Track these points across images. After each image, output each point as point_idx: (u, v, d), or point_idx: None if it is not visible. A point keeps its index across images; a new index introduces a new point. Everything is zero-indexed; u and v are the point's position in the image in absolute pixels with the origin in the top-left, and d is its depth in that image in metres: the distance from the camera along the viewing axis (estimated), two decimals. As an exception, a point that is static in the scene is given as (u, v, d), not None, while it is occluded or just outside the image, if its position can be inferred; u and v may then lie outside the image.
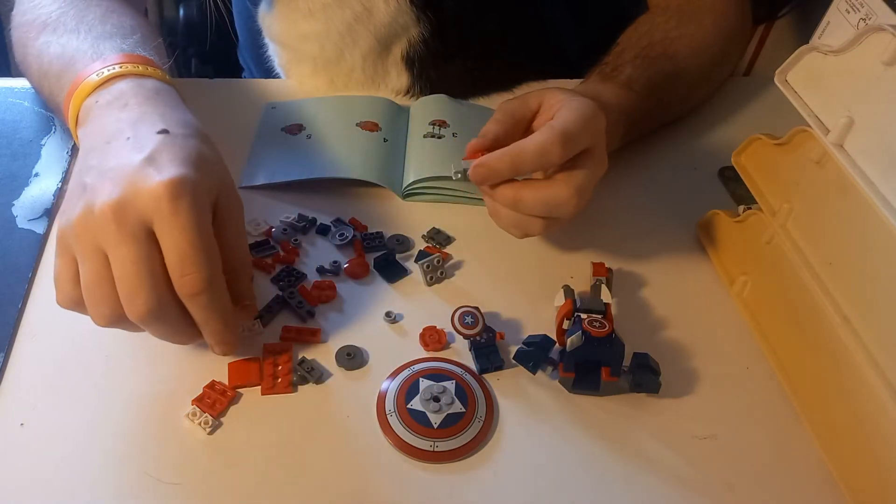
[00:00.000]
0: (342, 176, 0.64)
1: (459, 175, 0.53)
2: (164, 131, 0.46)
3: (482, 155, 0.51)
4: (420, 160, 0.66)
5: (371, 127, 0.68)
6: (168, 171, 0.43)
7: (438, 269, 0.57)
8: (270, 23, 0.74)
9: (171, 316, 0.44)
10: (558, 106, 0.52)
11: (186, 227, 0.42)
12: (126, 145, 0.45)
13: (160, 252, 0.43)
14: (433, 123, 0.69)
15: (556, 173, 0.52)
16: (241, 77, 0.96)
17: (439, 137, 0.68)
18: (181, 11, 1.08)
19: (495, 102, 0.76)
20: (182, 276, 0.43)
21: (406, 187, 0.64)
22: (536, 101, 0.55)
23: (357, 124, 0.69)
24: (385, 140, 0.68)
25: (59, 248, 0.44)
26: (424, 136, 0.68)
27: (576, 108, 0.52)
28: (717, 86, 0.77)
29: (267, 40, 0.78)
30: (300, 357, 0.51)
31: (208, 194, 0.45)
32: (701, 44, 0.71)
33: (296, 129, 0.69)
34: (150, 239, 0.42)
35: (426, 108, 0.71)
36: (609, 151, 0.56)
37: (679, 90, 0.71)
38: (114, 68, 0.51)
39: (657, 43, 0.68)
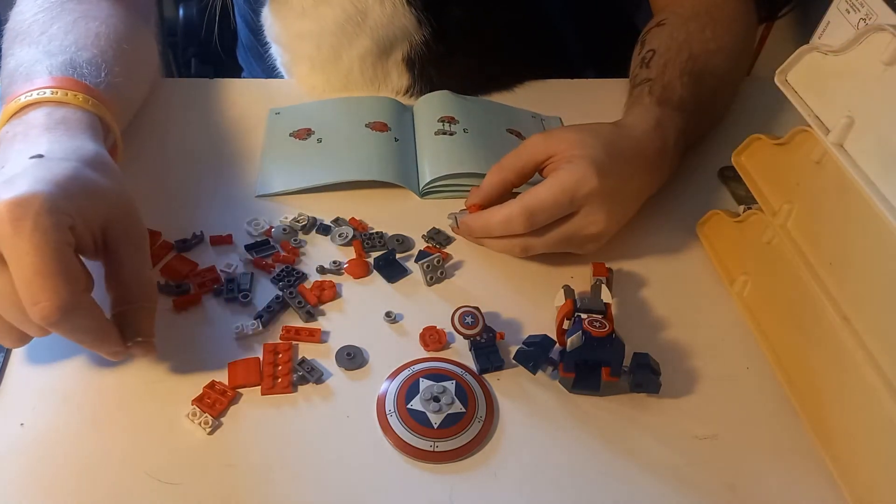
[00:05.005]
0: (360, 178, 0.64)
1: (453, 219, 0.60)
2: (38, 156, 0.44)
3: (478, 205, 0.59)
4: (436, 158, 0.66)
5: (380, 127, 0.68)
6: (15, 190, 0.40)
7: (438, 268, 0.57)
8: (269, 23, 0.75)
9: (40, 334, 0.43)
10: (559, 163, 0.56)
11: (32, 250, 0.39)
12: None
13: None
14: (442, 120, 0.69)
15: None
16: (241, 77, 0.96)
17: (451, 134, 0.68)
18: (181, 11, 1.08)
19: (496, 100, 0.76)
20: (33, 304, 0.39)
21: (425, 185, 0.64)
22: (544, 152, 0.57)
23: (366, 125, 0.68)
24: (396, 140, 0.68)
25: None
26: (436, 134, 0.68)
27: (561, 179, 0.54)
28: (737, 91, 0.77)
29: (268, 39, 0.78)
30: (300, 357, 0.51)
31: (71, 214, 0.41)
32: (738, 54, 0.71)
33: (304, 133, 0.69)
34: (1, 265, 0.40)
35: (432, 106, 0.71)
36: (664, 181, 0.61)
37: (721, 102, 0.71)
38: (31, 95, 0.50)
39: (697, 56, 0.66)
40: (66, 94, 0.51)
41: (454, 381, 0.50)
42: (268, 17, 0.75)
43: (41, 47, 0.56)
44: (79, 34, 0.58)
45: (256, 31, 0.81)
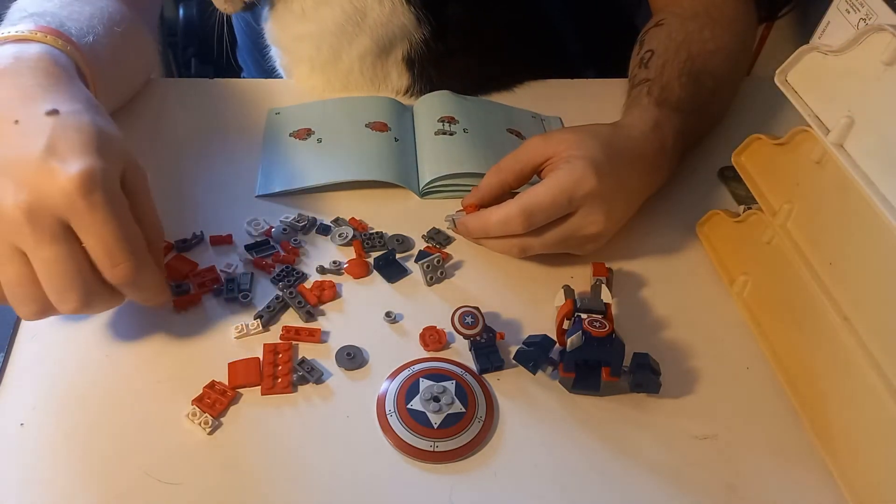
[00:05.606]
0: (360, 178, 0.63)
1: (450, 222, 0.60)
2: (54, 111, 0.44)
3: (475, 205, 0.59)
4: (435, 158, 0.66)
5: (380, 127, 0.68)
6: (73, 164, 0.42)
7: (438, 269, 0.57)
8: (269, 27, 0.75)
9: (104, 299, 0.45)
10: (557, 163, 0.56)
11: (106, 220, 0.42)
12: (16, 132, 0.43)
13: (81, 245, 0.42)
14: (442, 120, 0.69)
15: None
16: (240, 77, 0.96)
17: (451, 134, 0.68)
18: (181, 11, 1.08)
19: (496, 100, 0.76)
20: (113, 267, 0.43)
21: (425, 185, 0.64)
22: (542, 155, 0.57)
23: (366, 125, 0.68)
24: (396, 140, 0.68)
25: None
26: (436, 134, 0.68)
27: (559, 179, 0.54)
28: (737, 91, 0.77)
29: (268, 43, 0.78)
30: (300, 357, 0.51)
31: (117, 177, 0.44)
32: (738, 54, 0.71)
33: (304, 133, 0.69)
34: (69, 235, 0.42)
35: (432, 106, 0.71)
36: (664, 182, 0.62)
37: (720, 103, 0.71)
38: (7, 32, 0.49)
39: (696, 57, 0.66)
40: (46, 37, 0.51)
41: (454, 381, 0.50)
42: (267, 21, 0.75)
43: (32, 11, 0.55)
44: (72, 10, 0.58)
45: (255, 35, 0.81)
